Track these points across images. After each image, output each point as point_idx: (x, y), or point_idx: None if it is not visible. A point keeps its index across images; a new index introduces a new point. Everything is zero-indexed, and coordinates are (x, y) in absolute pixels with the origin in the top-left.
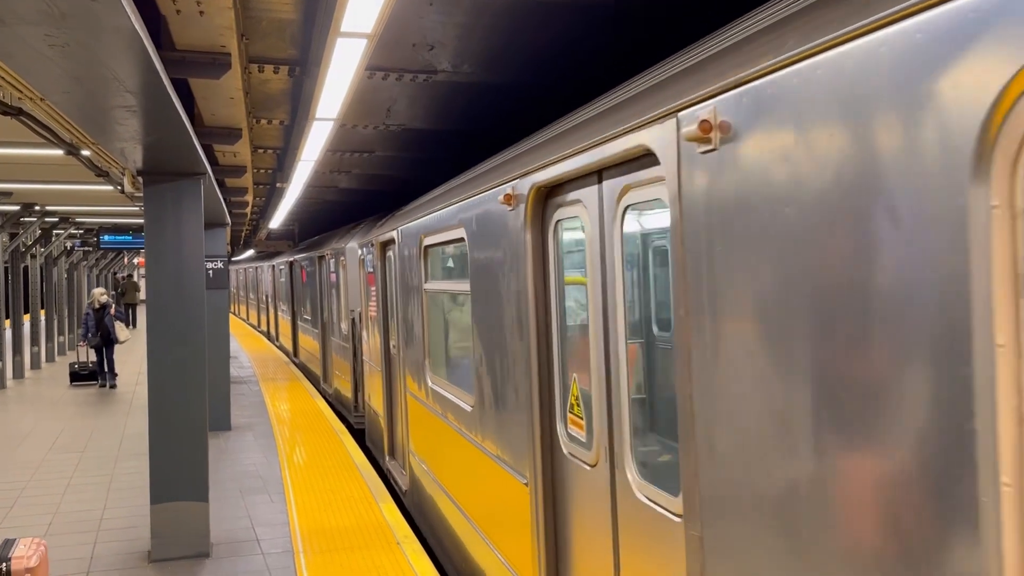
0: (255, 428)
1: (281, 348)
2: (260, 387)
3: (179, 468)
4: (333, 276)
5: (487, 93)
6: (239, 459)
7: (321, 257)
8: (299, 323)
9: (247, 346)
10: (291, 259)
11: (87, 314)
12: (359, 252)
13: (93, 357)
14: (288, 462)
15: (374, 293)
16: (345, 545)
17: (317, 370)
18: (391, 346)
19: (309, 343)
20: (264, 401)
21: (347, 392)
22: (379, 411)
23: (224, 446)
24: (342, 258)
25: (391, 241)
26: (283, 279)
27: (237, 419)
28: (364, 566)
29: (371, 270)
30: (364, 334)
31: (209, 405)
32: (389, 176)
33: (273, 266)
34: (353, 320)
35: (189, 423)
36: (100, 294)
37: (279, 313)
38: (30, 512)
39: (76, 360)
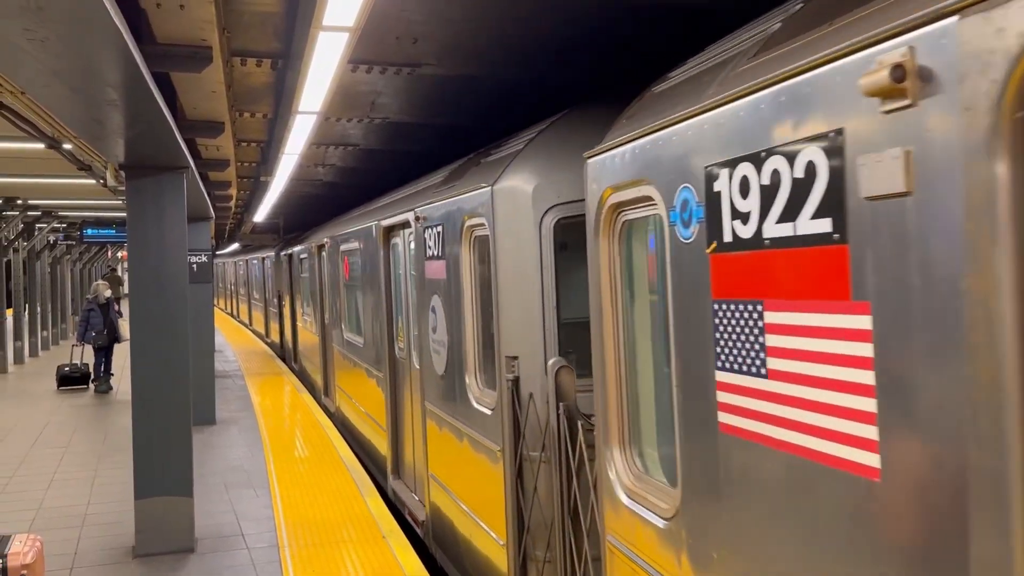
0: (240, 422)
1: (301, 375)
2: (245, 381)
3: (163, 463)
4: (435, 268)
5: (473, 87)
6: (224, 453)
7: (390, 231)
8: (333, 346)
9: (233, 341)
10: (321, 242)
11: (90, 310)
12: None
13: (87, 359)
14: (273, 456)
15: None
16: (331, 539)
17: (379, 446)
18: None
19: (358, 386)
20: (249, 395)
21: (482, 547)
22: None
23: (209, 440)
24: (474, 224)
25: None
26: (305, 274)
27: (222, 413)
28: (350, 560)
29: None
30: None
31: (193, 399)
32: (375, 170)
33: (291, 255)
34: (516, 384)
35: (173, 417)
36: (104, 287)
37: (298, 322)
38: (13, 507)
39: (68, 362)
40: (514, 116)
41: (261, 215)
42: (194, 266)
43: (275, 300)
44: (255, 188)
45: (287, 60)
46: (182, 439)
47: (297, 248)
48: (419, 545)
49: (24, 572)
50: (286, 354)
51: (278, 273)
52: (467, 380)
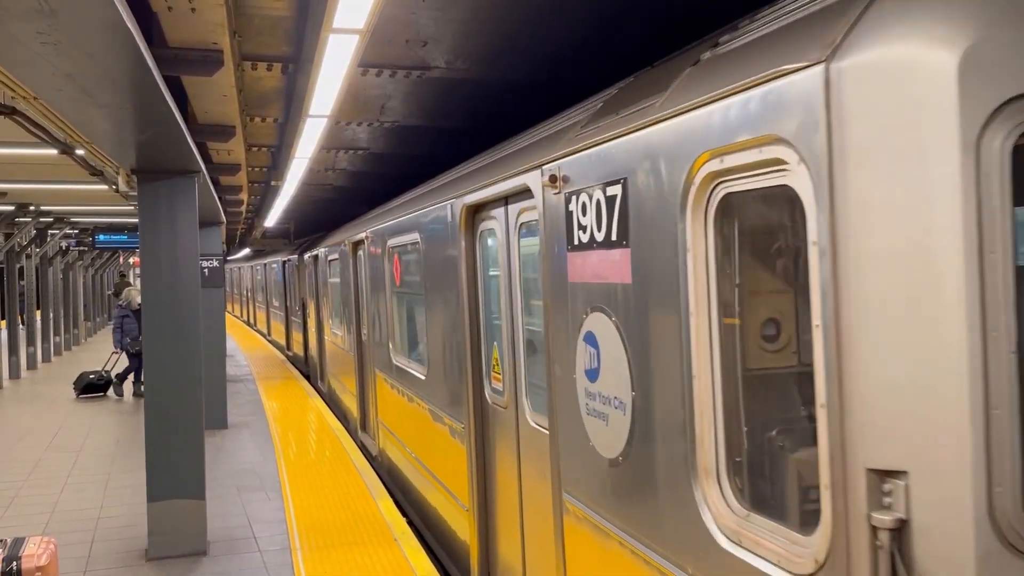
0: (251, 426)
1: (330, 400)
2: (257, 386)
3: (176, 466)
4: (596, 264)
5: (482, 89)
6: (235, 457)
7: (479, 211)
8: (375, 372)
9: (245, 347)
10: (357, 237)
11: (124, 316)
12: None
13: (120, 367)
14: (284, 459)
15: None
16: (343, 542)
17: (454, 525)
18: None
19: (416, 432)
20: (260, 399)
21: None
22: None
23: (220, 444)
24: (725, 168)
25: None
26: (335, 278)
27: (233, 417)
28: (362, 563)
29: None
30: None
31: (205, 403)
32: (386, 174)
33: (316, 257)
34: (900, 539)
35: (185, 421)
36: (137, 293)
37: (326, 335)
38: (27, 511)
39: (102, 369)
40: (522, 118)
41: (272, 220)
42: (206, 270)
43: (298, 309)
44: (266, 192)
45: (297, 64)
46: (194, 442)
47: (324, 248)
48: (429, 547)
49: (38, 574)
50: (311, 371)
51: (301, 278)
52: (700, 491)
